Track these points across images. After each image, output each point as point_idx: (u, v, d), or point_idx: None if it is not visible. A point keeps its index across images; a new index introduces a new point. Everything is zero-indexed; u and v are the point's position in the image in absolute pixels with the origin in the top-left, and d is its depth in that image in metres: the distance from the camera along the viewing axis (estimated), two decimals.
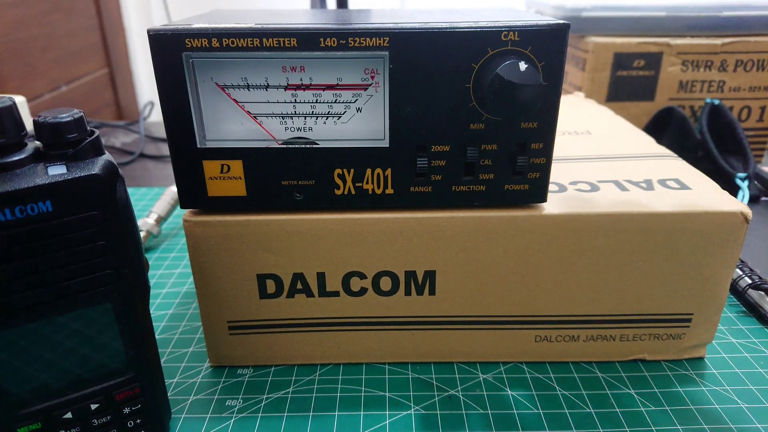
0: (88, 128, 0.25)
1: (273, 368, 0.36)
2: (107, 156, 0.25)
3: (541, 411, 0.32)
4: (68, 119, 0.23)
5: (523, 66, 0.27)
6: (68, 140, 0.24)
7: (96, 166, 0.24)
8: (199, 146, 0.30)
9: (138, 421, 0.29)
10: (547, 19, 0.28)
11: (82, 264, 0.24)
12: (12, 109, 0.23)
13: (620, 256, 0.32)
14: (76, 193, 0.23)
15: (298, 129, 0.30)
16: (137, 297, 0.27)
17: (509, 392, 0.34)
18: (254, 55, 0.28)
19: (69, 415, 0.26)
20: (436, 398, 0.34)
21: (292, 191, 0.31)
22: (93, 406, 0.27)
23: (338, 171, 0.31)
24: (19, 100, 0.51)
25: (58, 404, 0.26)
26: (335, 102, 0.29)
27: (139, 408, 0.28)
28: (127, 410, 0.28)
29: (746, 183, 0.55)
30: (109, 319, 0.26)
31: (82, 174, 0.23)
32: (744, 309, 0.42)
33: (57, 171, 0.23)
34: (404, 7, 1.76)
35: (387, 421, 0.32)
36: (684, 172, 0.36)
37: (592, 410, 0.32)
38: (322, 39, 0.27)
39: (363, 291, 0.34)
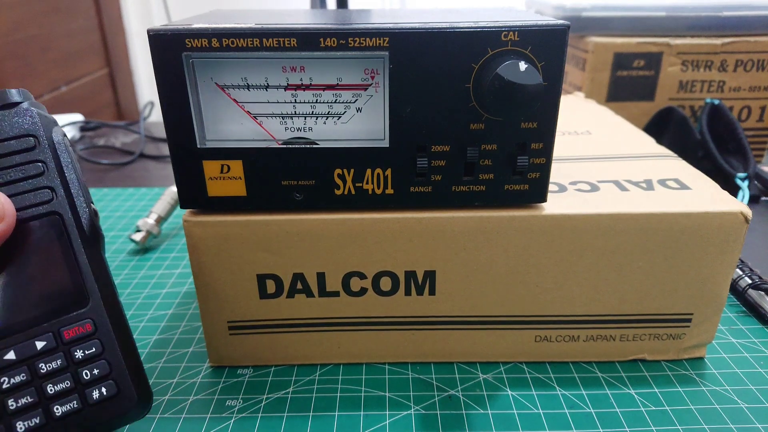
0: None
1: (273, 368, 0.36)
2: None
3: (541, 411, 0.32)
4: None
5: (523, 66, 0.27)
6: None
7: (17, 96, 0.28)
8: (199, 146, 0.30)
9: (95, 372, 0.25)
10: (547, 19, 0.28)
11: (18, 180, 0.26)
12: None
13: (620, 256, 0.32)
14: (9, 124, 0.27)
15: (298, 129, 0.30)
16: (80, 223, 0.27)
17: (509, 392, 0.34)
18: (254, 55, 0.28)
19: (12, 355, 0.24)
20: (436, 398, 0.34)
21: (292, 191, 0.31)
22: (39, 344, 0.25)
23: (338, 171, 0.31)
24: None
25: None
26: (335, 102, 0.29)
27: (95, 353, 0.25)
28: (79, 354, 0.25)
29: (746, 183, 0.54)
30: (51, 240, 0.26)
31: (11, 110, 0.27)
32: (744, 309, 0.42)
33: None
34: (404, 7, 1.76)
35: (387, 421, 0.32)
36: (684, 172, 0.37)
37: (592, 410, 0.32)
38: (322, 39, 0.27)
39: (363, 291, 0.34)
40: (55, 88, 1.15)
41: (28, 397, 0.24)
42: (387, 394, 0.34)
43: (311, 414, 0.33)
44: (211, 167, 0.30)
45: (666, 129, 0.63)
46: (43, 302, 0.26)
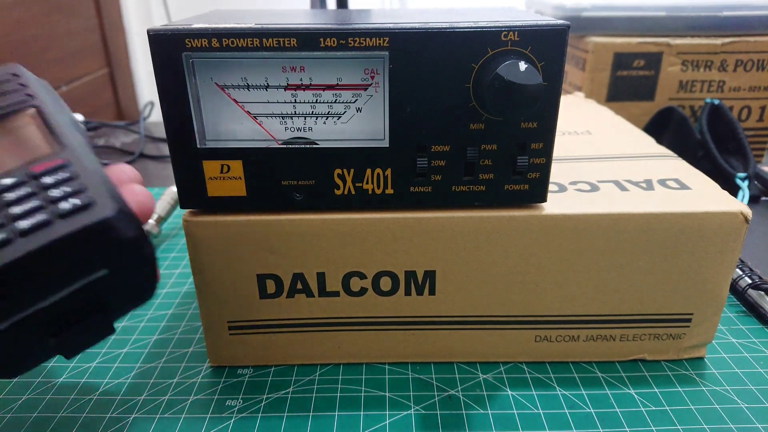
0: None
1: (273, 368, 0.36)
2: None
3: (541, 411, 0.32)
4: None
5: (523, 66, 0.27)
6: None
7: None
8: (199, 146, 0.30)
9: (68, 189, 0.22)
10: (547, 19, 0.28)
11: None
12: None
13: (620, 256, 0.32)
14: None
15: (298, 129, 0.30)
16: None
17: (509, 392, 0.34)
18: (254, 55, 0.28)
19: None
20: (436, 398, 0.34)
21: (292, 191, 0.31)
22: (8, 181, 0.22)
23: (338, 171, 0.31)
24: None
25: None
26: (335, 102, 0.29)
27: (65, 177, 0.22)
28: (49, 179, 0.22)
29: (746, 183, 0.54)
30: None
31: None
32: (744, 309, 0.42)
33: None
34: (404, 7, 1.76)
35: (387, 421, 0.32)
36: (684, 172, 0.37)
37: (592, 410, 0.32)
38: (322, 39, 0.27)
39: (363, 291, 0.34)
40: (55, 88, 1.15)
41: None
42: (387, 394, 0.34)
43: (311, 414, 0.33)
44: (211, 167, 0.30)
45: (666, 129, 0.63)
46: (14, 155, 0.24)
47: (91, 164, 0.23)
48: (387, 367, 0.36)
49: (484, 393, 0.34)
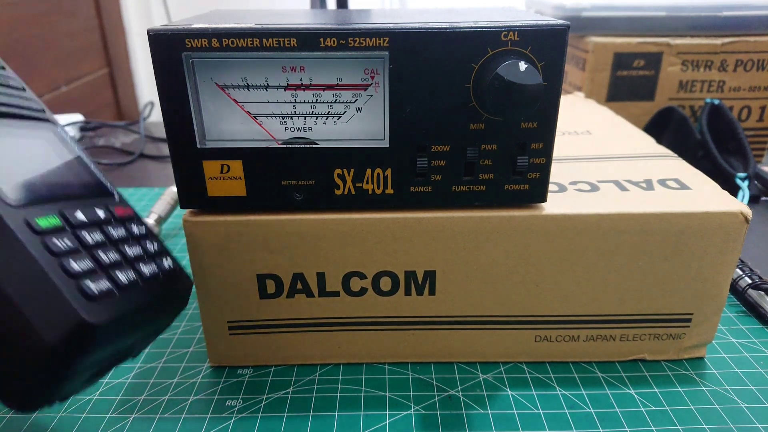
0: None
1: (273, 368, 0.36)
2: None
3: (541, 411, 0.32)
4: None
5: (523, 66, 0.27)
6: None
7: None
8: (199, 146, 0.30)
9: (154, 247, 0.26)
10: (547, 19, 0.28)
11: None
12: None
13: (620, 256, 0.32)
14: None
15: (298, 129, 0.30)
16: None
17: (509, 392, 0.34)
18: (254, 55, 0.28)
19: (81, 215, 0.24)
20: (436, 398, 0.34)
21: (292, 191, 0.31)
22: (100, 213, 0.25)
23: (338, 171, 0.31)
24: None
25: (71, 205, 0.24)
26: (335, 102, 0.29)
27: (145, 232, 0.26)
28: (135, 229, 0.26)
29: (746, 183, 0.54)
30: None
31: None
32: (744, 309, 0.42)
33: None
34: (404, 7, 1.76)
35: (387, 421, 0.32)
36: (684, 172, 0.37)
37: (592, 410, 0.32)
38: (322, 39, 0.27)
39: (363, 291, 0.34)
40: (55, 88, 1.15)
41: (115, 254, 0.24)
42: (387, 394, 0.34)
43: (311, 414, 0.33)
44: (211, 167, 0.30)
45: (666, 129, 0.63)
46: (81, 185, 0.26)
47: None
48: (387, 367, 0.36)
49: (484, 393, 0.34)
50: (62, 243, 0.22)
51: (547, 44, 0.28)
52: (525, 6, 0.80)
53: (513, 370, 0.36)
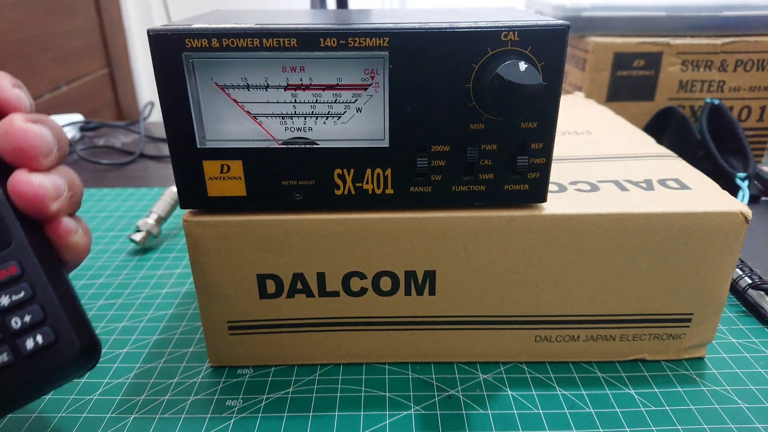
0: None
1: (273, 368, 0.36)
2: None
3: (541, 411, 0.32)
4: None
5: (523, 66, 0.27)
6: None
7: None
8: (199, 146, 0.30)
9: (26, 319, 0.22)
10: (547, 19, 0.28)
11: None
12: None
13: (620, 256, 0.32)
14: None
15: (298, 129, 0.30)
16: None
17: (509, 392, 0.34)
18: (254, 55, 0.28)
19: None
20: (436, 398, 0.34)
21: (292, 191, 0.31)
22: None
23: (338, 171, 0.31)
24: None
25: None
26: (335, 102, 0.29)
27: (23, 298, 0.22)
28: (5, 300, 0.22)
29: (746, 183, 0.54)
30: None
31: None
32: (744, 309, 0.42)
33: None
34: (404, 7, 1.76)
35: (387, 421, 0.32)
36: (684, 172, 0.36)
37: (592, 410, 0.32)
38: (322, 39, 0.27)
39: (363, 291, 0.34)
40: (55, 88, 1.15)
41: None
42: (387, 394, 0.34)
43: (311, 414, 0.33)
44: (211, 167, 0.30)
45: (666, 129, 0.63)
46: None
47: (43, 270, 0.23)
48: (387, 367, 0.36)
49: (484, 393, 0.34)
50: None
51: (547, 44, 0.28)
52: (525, 6, 0.80)
53: (513, 370, 0.36)
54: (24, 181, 0.23)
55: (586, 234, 0.32)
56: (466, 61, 0.28)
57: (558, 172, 0.36)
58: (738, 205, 0.32)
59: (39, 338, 0.22)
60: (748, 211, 0.31)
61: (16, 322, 0.22)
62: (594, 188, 0.34)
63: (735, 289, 0.42)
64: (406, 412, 0.32)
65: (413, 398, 0.34)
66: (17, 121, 0.23)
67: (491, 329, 0.35)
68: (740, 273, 0.42)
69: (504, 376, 0.35)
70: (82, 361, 0.23)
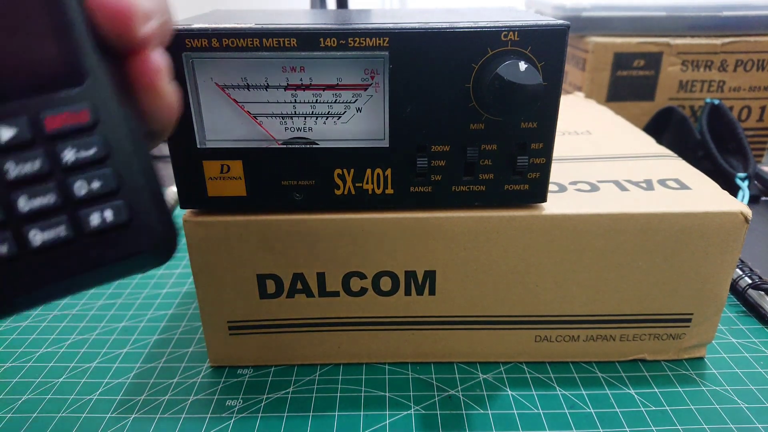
0: None
1: (273, 368, 0.36)
2: None
3: (541, 411, 0.32)
4: None
5: (523, 66, 0.27)
6: None
7: None
8: (199, 146, 0.30)
9: (95, 184, 0.16)
10: (547, 19, 0.28)
11: None
12: None
13: (620, 256, 0.32)
14: None
15: (298, 129, 0.30)
16: None
17: (509, 392, 0.34)
18: (254, 55, 0.28)
19: None
20: (436, 398, 0.34)
21: (292, 191, 0.31)
22: (5, 132, 0.16)
23: (338, 171, 0.31)
24: None
25: None
26: (335, 102, 0.29)
27: (93, 155, 0.16)
28: (69, 154, 0.16)
29: (746, 183, 0.54)
30: None
31: None
32: (744, 309, 0.42)
33: None
34: (404, 7, 1.76)
35: (387, 421, 0.32)
36: (684, 172, 0.36)
37: (592, 410, 0.32)
38: (322, 39, 0.27)
39: (363, 291, 0.34)
40: None
41: None
42: (387, 394, 0.34)
43: (311, 414, 0.33)
44: (211, 167, 0.30)
45: (666, 129, 0.63)
46: (11, 64, 0.16)
47: (124, 122, 0.17)
48: (387, 367, 0.36)
49: (484, 393, 0.34)
50: None
51: (547, 44, 0.28)
52: (525, 6, 0.80)
53: (513, 370, 0.36)
54: None
55: (586, 234, 0.32)
56: (466, 61, 0.28)
57: (558, 172, 0.36)
58: (738, 205, 0.32)
59: (108, 214, 0.16)
60: (748, 211, 0.31)
61: (80, 187, 0.16)
62: (594, 188, 0.34)
63: (735, 289, 0.42)
64: (406, 412, 0.32)
65: (413, 398, 0.34)
66: None
67: (491, 329, 0.35)
68: (740, 273, 0.42)
69: (504, 376, 0.35)
70: (155, 256, 0.18)
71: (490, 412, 0.32)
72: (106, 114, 0.17)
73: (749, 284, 0.41)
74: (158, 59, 0.18)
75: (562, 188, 0.34)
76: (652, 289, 0.33)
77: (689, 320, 0.34)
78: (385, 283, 0.33)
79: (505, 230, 0.32)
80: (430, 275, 0.33)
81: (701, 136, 0.60)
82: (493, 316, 0.35)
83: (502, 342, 0.35)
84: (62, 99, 0.16)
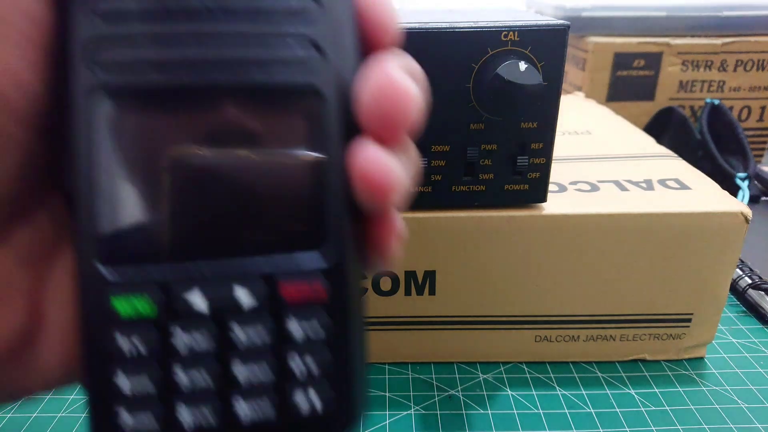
0: None
1: None
2: None
3: (541, 411, 0.32)
4: None
5: (523, 66, 0.27)
6: None
7: None
8: None
9: (312, 367, 0.15)
10: (547, 19, 0.28)
11: (271, 19, 0.15)
12: None
13: (620, 256, 0.32)
14: None
15: None
16: (345, 113, 0.15)
17: (509, 392, 0.34)
18: None
19: (199, 301, 0.14)
20: (436, 398, 0.34)
21: None
22: (240, 293, 0.14)
23: None
24: None
25: (185, 271, 0.14)
26: None
27: (318, 336, 0.15)
28: (297, 330, 0.15)
29: (746, 183, 0.54)
30: (292, 125, 0.15)
31: None
32: (744, 309, 0.42)
33: None
34: (404, 7, 1.75)
35: (387, 421, 0.32)
36: (684, 172, 0.36)
37: (592, 410, 0.32)
38: None
39: (363, 291, 0.34)
40: None
41: (206, 375, 0.14)
42: (387, 394, 0.34)
43: None
44: None
45: (666, 129, 0.63)
46: (259, 219, 0.15)
47: (351, 295, 0.16)
48: (387, 367, 0.36)
49: (484, 393, 0.34)
50: (132, 345, 0.14)
51: (547, 44, 0.28)
52: (525, 6, 0.80)
53: (513, 370, 0.36)
54: (376, 159, 0.15)
55: (586, 234, 0.32)
56: (466, 61, 0.28)
57: (558, 172, 0.36)
58: (738, 205, 0.32)
59: (314, 399, 0.15)
60: (748, 211, 0.31)
61: (298, 367, 0.15)
62: (594, 188, 0.34)
63: (735, 289, 0.42)
64: (406, 412, 0.32)
65: (413, 398, 0.34)
66: (395, 73, 0.15)
67: (491, 329, 0.35)
68: (740, 273, 0.42)
69: (504, 376, 0.35)
70: None
71: (490, 412, 0.32)
72: (339, 287, 0.15)
73: (749, 284, 0.41)
74: (399, 222, 0.17)
75: (562, 188, 0.34)
76: (652, 289, 0.33)
77: (689, 320, 0.34)
78: (385, 283, 0.33)
79: (505, 230, 0.32)
80: (430, 275, 0.33)
81: (701, 137, 0.60)
82: (493, 316, 0.35)
83: (502, 342, 0.35)
84: (298, 263, 0.15)
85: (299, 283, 0.15)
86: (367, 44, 0.16)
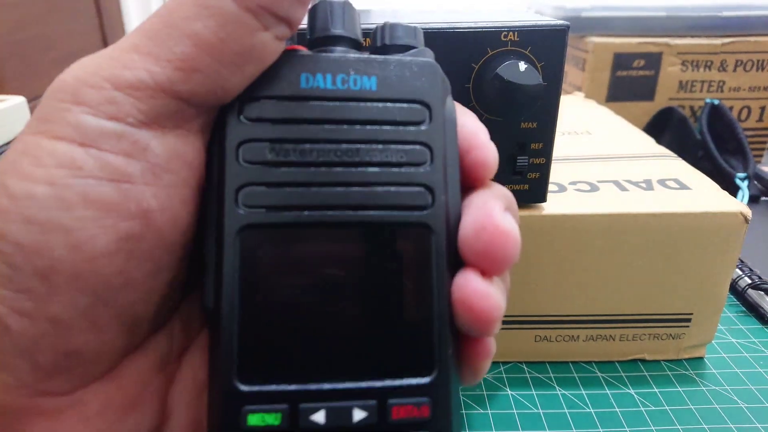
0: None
1: None
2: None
3: (541, 411, 0.32)
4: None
5: (522, 66, 0.27)
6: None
7: (428, 55, 0.20)
8: None
9: None
10: (546, 19, 0.28)
11: (392, 166, 0.17)
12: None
13: (620, 256, 0.32)
14: (402, 77, 0.19)
15: None
16: (452, 248, 0.17)
17: (509, 392, 0.34)
18: None
19: (320, 417, 0.16)
20: None
21: None
22: (357, 415, 0.16)
23: None
24: (19, 101, 0.51)
25: (312, 392, 0.16)
26: None
27: None
28: None
29: (746, 183, 0.54)
30: (406, 264, 0.17)
31: (415, 59, 0.19)
32: (744, 309, 0.42)
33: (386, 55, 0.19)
34: (404, 7, 1.75)
35: None
36: (684, 172, 0.37)
37: (592, 410, 0.32)
38: None
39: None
40: None
41: None
42: None
43: None
44: None
45: (666, 129, 0.63)
46: (376, 350, 0.17)
47: (455, 419, 0.18)
48: None
49: (484, 392, 0.34)
50: None
51: (546, 44, 0.28)
52: (525, 6, 0.80)
53: (513, 370, 0.36)
54: (480, 291, 0.17)
55: (586, 234, 0.32)
56: (465, 61, 0.28)
57: (558, 172, 0.36)
58: (738, 205, 0.32)
59: None
60: (748, 211, 0.31)
61: None
62: (594, 188, 0.34)
63: (735, 289, 0.42)
64: None
65: None
66: (499, 217, 0.17)
67: None
68: (740, 273, 0.42)
69: (504, 375, 0.35)
70: None
71: (490, 411, 0.32)
72: (443, 409, 0.17)
73: (749, 284, 0.41)
74: (493, 345, 0.18)
75: (561, 188, 0.34)
76: (652, 289, 0.33)
77: (689, 320, 0.34)
78: None
79: None
80: None
81: (701, 137, 0.60)
82: None
83: (501, 341, 0.35)
84: (409, 388, 0.17)
85: (407, 406, 0.17)
86: (469, 180, 0.19)
